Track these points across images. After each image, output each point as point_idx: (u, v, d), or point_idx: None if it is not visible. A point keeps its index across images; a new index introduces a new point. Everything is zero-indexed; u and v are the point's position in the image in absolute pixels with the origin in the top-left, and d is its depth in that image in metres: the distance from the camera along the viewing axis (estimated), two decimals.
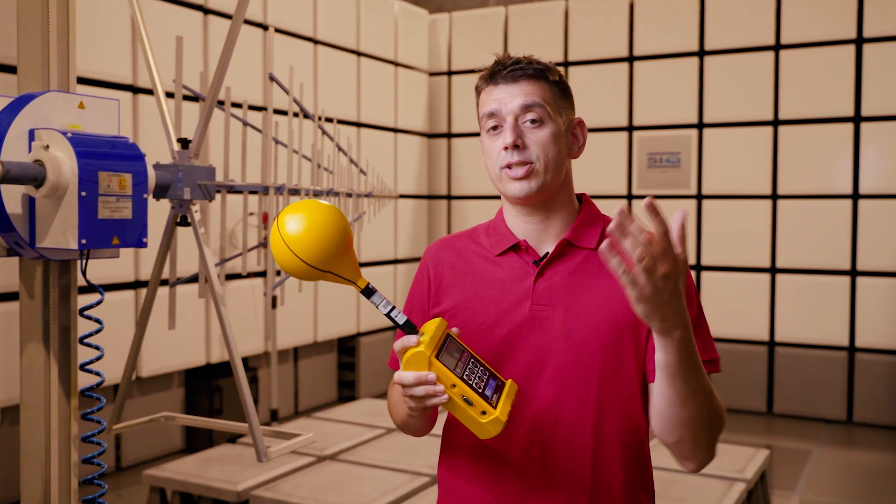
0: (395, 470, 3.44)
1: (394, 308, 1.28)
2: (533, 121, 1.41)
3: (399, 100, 6.80)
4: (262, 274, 5.22)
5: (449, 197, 7.26)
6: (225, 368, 5.21)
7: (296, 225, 1.25)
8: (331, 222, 1.27)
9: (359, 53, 6.30)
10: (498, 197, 6.89)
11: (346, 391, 6.46)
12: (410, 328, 1.28)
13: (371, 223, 5.84)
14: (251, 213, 4.55)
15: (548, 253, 1.46)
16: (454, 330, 1.33)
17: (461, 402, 1.24)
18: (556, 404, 1.39)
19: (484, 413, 1.25)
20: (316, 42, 5.83)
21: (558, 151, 1.43)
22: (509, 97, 1.42)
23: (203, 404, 5.06)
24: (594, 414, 1.39)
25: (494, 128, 1.44)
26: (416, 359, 1.23)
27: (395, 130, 6.77)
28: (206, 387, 5.05)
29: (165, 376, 4.93)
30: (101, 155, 1.75)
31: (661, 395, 1.27)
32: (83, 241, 1.70)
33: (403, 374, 1.24)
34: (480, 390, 1.26)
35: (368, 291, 1.28)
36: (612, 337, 1.39)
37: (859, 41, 5.73)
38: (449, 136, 7.25)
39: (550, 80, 1.45)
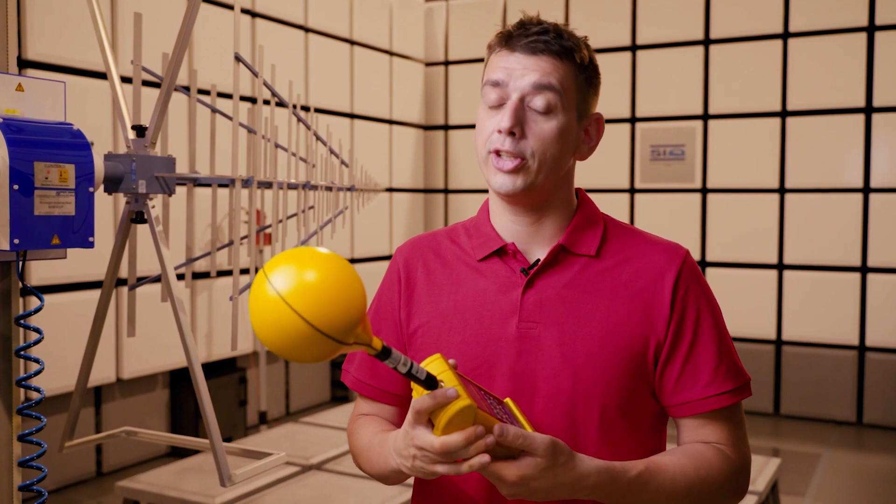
0: None
1: (413, 364, 1.00)
2: (540, 106, 1.17)
3: (394, 91, 6.59)
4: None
5: (446, 191, 7.06)
6: (211, 369, 5.01)
7: (302, 282, 0.91)
8: (346, 276, 0.94)
9: (352, 42, 6.08)
10: None
11: (340, 391, 6.26)
12: (432, 382, 1.01)
13: (366, 218, 5.64)
14: (242, 208, 4.34)
15: (538, 260, 1.23)
16: (452, 362, 1.06)
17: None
18: None
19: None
20: (307, 30, 5.62)
21: (560, 150, 1.19)
22: (522, 70, 1.18)
23: (188, 407, 4.86)
24: (596, 454, 1.16)
25: (495, 101, 1.20)
26: (462, 415, 0.98)
27: (390, 122, 6.56)
28: (192, 388, 4.84)
29: (149, 377, 4.73)
30: (37, 143, 1.54)
31: None
32: (16, 241, 1.50)
33: (449, 439, 0.98)
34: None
35: (385, 352, 0.99)
36: (618, 361, 1.17)
37: (871, 29, 5.52)
38: (446, 128, 7.04)
39: (577, 63, 1.20)
